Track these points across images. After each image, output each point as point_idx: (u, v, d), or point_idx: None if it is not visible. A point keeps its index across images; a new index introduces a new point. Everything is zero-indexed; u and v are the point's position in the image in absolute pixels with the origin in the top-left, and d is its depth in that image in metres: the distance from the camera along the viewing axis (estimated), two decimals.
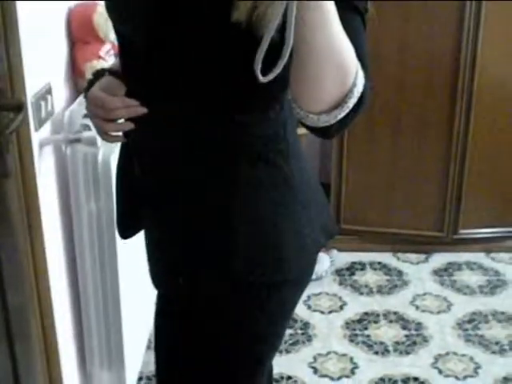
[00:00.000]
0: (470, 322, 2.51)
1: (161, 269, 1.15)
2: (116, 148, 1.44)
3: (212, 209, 1.01)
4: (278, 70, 0.74)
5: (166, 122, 1.01)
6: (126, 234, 1.23)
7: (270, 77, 0.76)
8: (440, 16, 2.56)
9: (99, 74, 1.12)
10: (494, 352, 2.34)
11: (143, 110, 1.01)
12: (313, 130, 0.87)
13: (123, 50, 1.09)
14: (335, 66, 0.80)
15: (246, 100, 0.96)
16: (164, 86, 0.99)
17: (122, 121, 1.07)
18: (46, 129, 1.53)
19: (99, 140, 1.52)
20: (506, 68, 2.65)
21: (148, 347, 2.16)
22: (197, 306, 1.08)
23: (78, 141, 1.57)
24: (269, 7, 0.75)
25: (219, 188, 1.00)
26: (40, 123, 1.47)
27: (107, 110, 1.04)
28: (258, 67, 0.74)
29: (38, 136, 1.46)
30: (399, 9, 2.54)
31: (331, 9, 0.76)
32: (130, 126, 1.04)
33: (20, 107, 1.21)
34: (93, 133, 1.45)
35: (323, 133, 0.88)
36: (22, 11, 1.30)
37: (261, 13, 0.77)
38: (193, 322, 1.10)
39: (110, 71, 1.11)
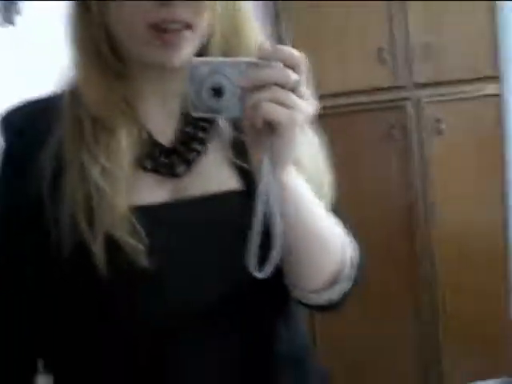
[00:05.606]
0: None
1: None
2: None
3: None
4: (271, 267, 0.71)
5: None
6: None
7: (267, 272, 0.71)
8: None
9: None
10: None
11: None
12: (313, 307, 0.85)
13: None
14: (325, 238, 0.80)
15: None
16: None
17: None
18: None
19: None
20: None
21: None
22: None
23: None
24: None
25: None
26: None
27: None
28: (250, 263, 0.71)
29: None
30: None
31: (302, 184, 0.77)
32: None
33: None
34: None
35: (326, 308, 0.85)
36: None
37: None
38: None
39: None
